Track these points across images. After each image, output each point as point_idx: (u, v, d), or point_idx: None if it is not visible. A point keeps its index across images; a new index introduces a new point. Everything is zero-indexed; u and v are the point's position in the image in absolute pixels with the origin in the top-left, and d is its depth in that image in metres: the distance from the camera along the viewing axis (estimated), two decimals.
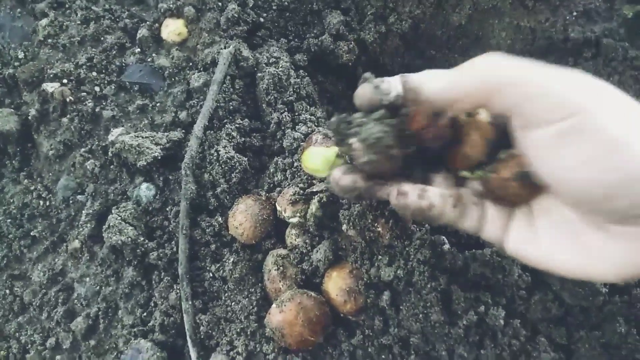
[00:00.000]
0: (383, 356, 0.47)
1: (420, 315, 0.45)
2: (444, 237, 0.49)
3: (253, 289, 0.52)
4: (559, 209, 0.36)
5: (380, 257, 0.48)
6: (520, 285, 0.46)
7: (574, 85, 0.32)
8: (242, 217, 0.53)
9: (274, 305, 0.48)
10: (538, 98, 0.32)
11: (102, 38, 0.66)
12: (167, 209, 0.57)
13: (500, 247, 0.40)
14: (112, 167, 0.60)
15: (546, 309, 0.44)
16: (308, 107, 0.59)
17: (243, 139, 0.58)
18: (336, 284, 0.48)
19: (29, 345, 0.59)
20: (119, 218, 0.56)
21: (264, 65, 0.60)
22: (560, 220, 0.36)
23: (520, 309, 0.45)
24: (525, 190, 0.37)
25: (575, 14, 0.63)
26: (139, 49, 0.64)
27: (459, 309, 0.45)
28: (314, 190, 0.49)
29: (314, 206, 0.49)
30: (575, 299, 0.44)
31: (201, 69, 0.60)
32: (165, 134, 0.58)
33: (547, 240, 0.37)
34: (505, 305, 0.45)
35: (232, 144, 0.57)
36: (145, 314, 0.55)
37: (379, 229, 0.47)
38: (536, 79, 0.33)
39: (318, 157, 0.43)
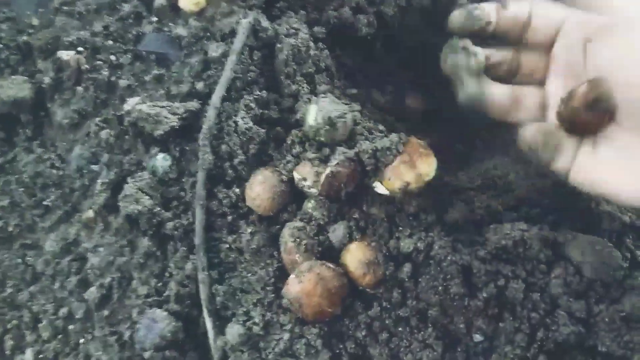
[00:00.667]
0: (400, 328, 0.47)
1: (440, 288, 0.45)
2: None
3: (270, 261, 0.52)
4: (622, 135, 0.40)
5: (400, 228, 0.48)
6: (540, 259, 0.46)
7: None
8: (260, 189, 0.52)
9: (292, 276, 0.48)
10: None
11: (118, 6, 0.65)
12: (184, 180, 0.57)
13: (566, 177, 0.44)
14: (127, 137, 0.60)
15: (566, 284, 0.44)
16: (328, 79, 0.58)
17: (261, 110, 0.57)
18: (355, 256, 0.48)
19: (41, 315, 0.59)
20: (136, 187, 0.55)
21: (283, 36, 0.59)
22: (622, 147, 0.40)
23: (540, 283, 0.45)
24: (594, 118, 0.41)
25: None
26: (155, 18, 0.64)
27: (479, 282, 0.45)
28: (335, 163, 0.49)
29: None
30: (596, 273, 0.44)
31: (219, 39, 0.60)
32: (183, 104, 0.58)
33: (608, 167, 0.41)
34: (525, 278, 0.45)
35: (250, 115, 0.56)
36: (160, 284, 0.55)
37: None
38: None
39: None
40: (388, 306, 0.47)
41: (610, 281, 0.44)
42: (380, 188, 0.48)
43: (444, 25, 0.51)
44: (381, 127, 0.54)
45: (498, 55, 0.50)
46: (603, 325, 0.43)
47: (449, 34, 0.51)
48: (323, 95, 0.53)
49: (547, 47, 0.48)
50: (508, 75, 0.52)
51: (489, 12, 0.46)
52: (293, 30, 0.59)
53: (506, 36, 0.50)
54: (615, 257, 0.44)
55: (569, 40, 0.46)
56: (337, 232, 0.50)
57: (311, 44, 0.58)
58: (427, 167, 0.47)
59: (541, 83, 0.50)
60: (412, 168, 0.47)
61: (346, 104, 0.56)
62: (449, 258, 0.45)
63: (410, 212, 0.49)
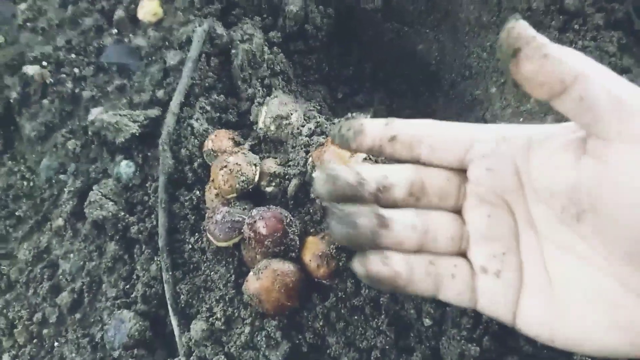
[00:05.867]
0: (355, 317, 0.48)
1: None
2: None
3: (230, 259, 0.53)
4: (592, 276, 0.31)
5: None
6: None
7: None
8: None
9: (251, 273, 0.49)
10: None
11: (80, 21, 0.67)
12: (147, 185, 0.59)
13: (510, 325, 0.35)
14: (92, 146, 0.62)
15: None
16: (284, 82, 0.60)
17: (218, 114, 0.59)
18: (309, 250, 0.50)
19: (17, 321, 0.61)
20: (100, 194, 0.57)
21: (237, 42, 0.61)
22: (594, 290, 0.31)
23: None
24: None
25: None
26: (116, 30, 0.66)
27: None
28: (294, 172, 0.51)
29: (292, 184, 0.50)
30: None
31: (177, 48, 0.62)
32: (143, 111, 0.60)
33: (576, 315, 0.32)
34: None
35: (205, 117, 0.58)
36: (128, 286, 0.57)
37: None
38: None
39: None
40: (343, 296, 0.49)
41: None
42: None
43: (397, 26, 0.52)
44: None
45: (396, 174, 0.38)
46: None
47: (402, 34, 0.52)
48: (274, 96, 0.55)
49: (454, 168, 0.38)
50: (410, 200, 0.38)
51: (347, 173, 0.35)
52: (247, 36, 0.61)
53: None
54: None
55: (491, 161, 0.36)
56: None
57: (265, 48, 0.60)
58: None
59: (454, 210, 0.39)
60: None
61: (308, 103, 0.57)
62: None
63: None
